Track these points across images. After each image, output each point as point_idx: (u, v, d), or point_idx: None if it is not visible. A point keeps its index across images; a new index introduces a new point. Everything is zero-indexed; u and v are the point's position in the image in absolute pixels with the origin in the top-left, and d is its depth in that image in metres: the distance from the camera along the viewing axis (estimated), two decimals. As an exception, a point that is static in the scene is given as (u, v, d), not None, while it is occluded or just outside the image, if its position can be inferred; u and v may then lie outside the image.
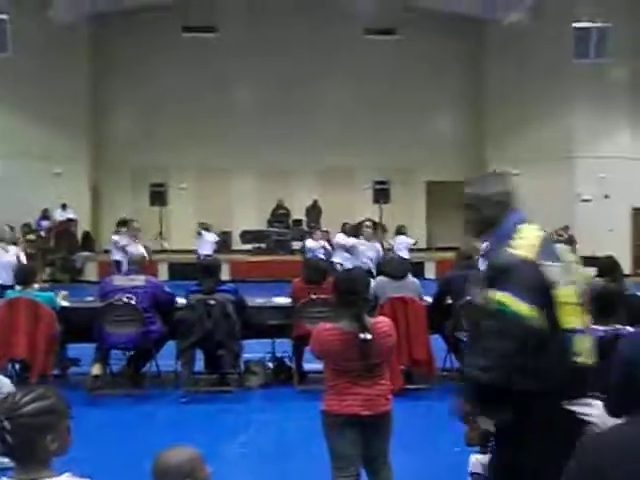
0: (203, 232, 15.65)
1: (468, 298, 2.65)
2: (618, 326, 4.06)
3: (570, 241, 18.30)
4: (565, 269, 2.51)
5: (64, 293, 7.13)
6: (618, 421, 2.80)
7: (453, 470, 4.07)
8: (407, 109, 20.48)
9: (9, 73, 16.97)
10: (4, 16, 14.82)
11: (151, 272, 9.44)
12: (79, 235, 18.89)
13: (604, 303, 4.21)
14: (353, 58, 20.18)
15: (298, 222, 19.85)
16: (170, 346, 6.69)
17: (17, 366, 6.71)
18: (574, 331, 2.45)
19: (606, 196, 18.82)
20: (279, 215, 19.70)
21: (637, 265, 16.41)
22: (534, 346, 2.43)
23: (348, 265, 10.10)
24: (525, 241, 2.54)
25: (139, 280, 6.60)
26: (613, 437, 0.99)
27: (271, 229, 19.03)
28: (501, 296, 2.44)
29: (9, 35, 14.81)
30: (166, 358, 6.66)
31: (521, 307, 2.40)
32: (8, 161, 17.75)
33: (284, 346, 7.07)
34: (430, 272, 17.23)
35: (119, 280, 6.76)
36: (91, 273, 17.20)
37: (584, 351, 2.45)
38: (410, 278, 6.75)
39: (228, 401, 6.40)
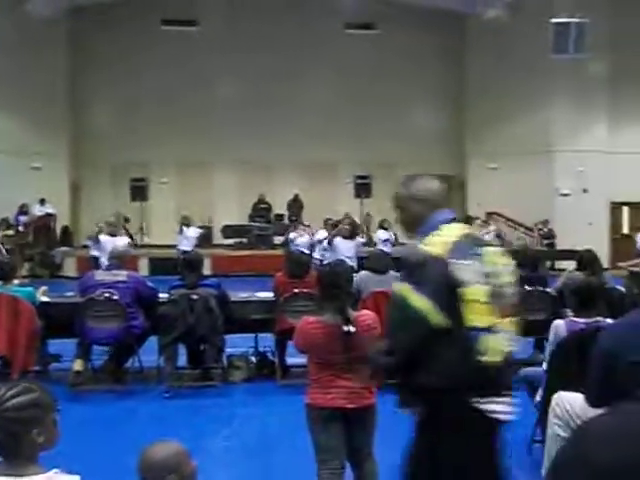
0: (184, 228, 15.44)
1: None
2: (599, 318, 4.13)
3: (549, 235, 18.52)
4: (477, 269, 2.49)
5: (44, 288, 7.07)
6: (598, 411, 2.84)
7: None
8: (388, 103, 20.51)
9: (-14, 68, 16.79)
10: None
11: (132, 267, 9.40)
12: (58, 230, 18.74)
13: (585, 296, 4.28)
14: (334, 53, 20.17)
15: (280, 217, 19.84)
16: (152, 341, 6.67)
17: (-2, 362, 6.66)
18: (479, 329, 2.44)
19: (585, 190, 19.01)
20: (260, 210, 19.67)
21: (615, 258, 16.59)
22: (434, 342, 2.44)
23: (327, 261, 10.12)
24: (439, 239, 2.56)
25: (121, 275, 6.57)
26: (595, 427, 1.01)
27: (252, 224, 18.99)
28: (404, 289, 2.49)
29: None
30: (148, 353, 6.63)
31: (420, 302, 2.43)
32: (-15, 156, 17.58)
33: (267, 340, 7.09)
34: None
35: (100, 275, 6.72)
36: (70, 268, 17.05)
37: (490, 350, 2.44)
38: (392, 272, 6.78)
39: (211, 396, 6.40)
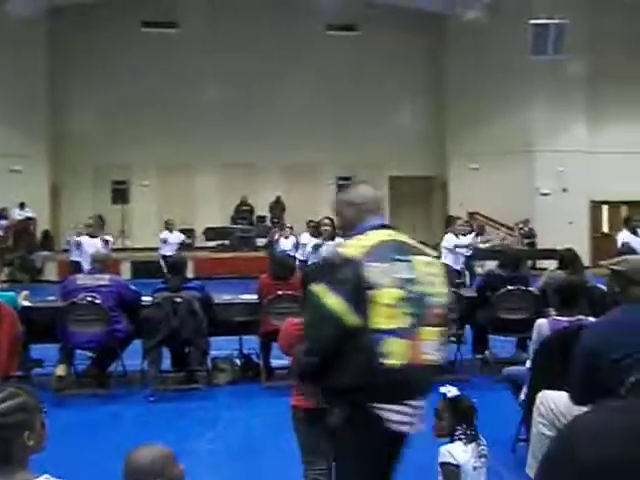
0: (166, 233, 15.25)
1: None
2: (581, 317, 4.17)
3: (530, 234, 18.66)
4: (391, 273, 2.53)
5: (25, 293, 7.00)
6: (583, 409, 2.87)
7: (420, 461, 4.12)
8: (369, 105, 20.57)
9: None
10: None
11: (114, 271, 9.35)
12: (38, 234, 18.57)
13: (567, 295, 4.31)
14: (315, 54, 20.19)
15: (262, 218, 19.82)
16: (136, 345, 6.64)
17: (-21, 368, 6.58)
18: (384, 332, 2.47)
19: (564, 189, 19.18)
20: (243, 212, 19.64)
21: (596, 257, 16.74)
22: (346, 343, 2.48)
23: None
24: (357, 242, 2.63)
25: (103, 279, 6.53)
26: (581, 425, 1.02)
27: (235, 226, 18.95)
28: (320, 289, 2.54)
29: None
30: (132, 357, 6.60)
31: (335, 302, 2.48)
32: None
33: (251, 343, 7.07)
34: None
35: (83, 279, 6.67)
36: (51, 273, 16.92)
37: (393, 353, 2.47)
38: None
39: (196, 399, 6.38)
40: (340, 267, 2.54)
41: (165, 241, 14.90)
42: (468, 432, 3.24)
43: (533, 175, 19.36)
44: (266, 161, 20.34)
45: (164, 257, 13.87)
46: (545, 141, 19.25)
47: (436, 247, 9.77)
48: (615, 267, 3.26)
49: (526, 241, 18.34)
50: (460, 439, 3.23)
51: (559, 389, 3.50)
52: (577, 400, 3.17)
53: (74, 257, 12.38)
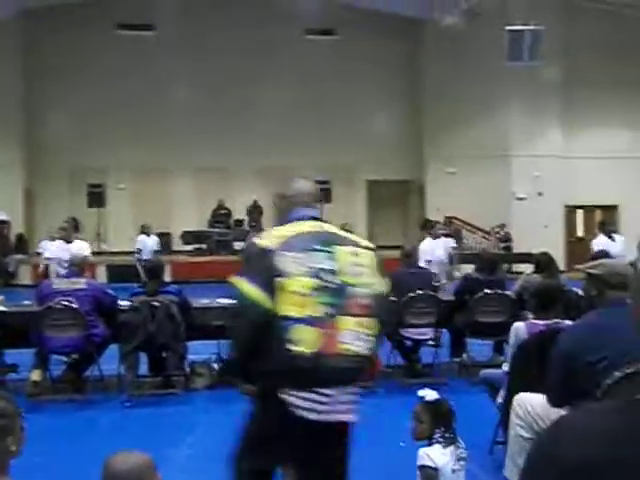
0: (143, 237, 15.12)
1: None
2: (558, 320, 4.21)
3: (506, 238, 18.82)
4: (305, 262, 2.57)
5: (0, 298, 6.92)
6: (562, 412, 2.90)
7: (399, 464, 4.14)
8: (347, 108, 20.62)
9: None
10: None
11: (90, 274, 9.25)
12: (12, 238, 18.34)
13: (544, 298, 4.36)
14: (294, 58, 20.19)
15: (239, 222, 19.76)
16: (113, 349, 6.58)
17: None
18: (294, 319, 2.51)
19: (540, 194, 19.38)
20: (220, 215, 19.56)
21: (571, 261, 16.94)
22: (263, 330, 2.55)
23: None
24: (275, 232, 2.70)
25: (80, 283, 6.47)
26: (564, 426, 1.03)
27: (212, 230, 18.87)
28: (238, 280, 2.63)
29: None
30: (109, 362, 6.54)
31: (252, 290, 2.56)
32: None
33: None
34: (371, 270, 17.37)
35: (59, 283, 6.61)
36: (24, 277, 16.71)
37: (301, 341, 2.50)
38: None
39: (174, 403, 6.34)
40: (255, 257, 2.63)
41: (142, 245, 14.82)
42: (447, 435, 3.26)
43: (509, 179, 19.53)
44: (242, 165, 20.29)
45: (140, 261, 13.78)
46: (521, 146, 19.44)
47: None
48: (592, 271, 3.30)
49: (502, 245, 18.49)
50: (439, 442, 3.24)
51: (536, 392, 3.53)
52: (554, 402, 3.21)
53: (45, 259, 12.23)
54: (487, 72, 18.57)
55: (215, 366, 7.00)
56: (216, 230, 18.72)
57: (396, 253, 8.51)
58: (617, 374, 2.85)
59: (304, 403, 2.53)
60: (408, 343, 7.15)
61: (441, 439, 3.25)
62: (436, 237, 11.13)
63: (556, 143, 19.67)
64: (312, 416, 2.54)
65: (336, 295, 2.58)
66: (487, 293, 6.96)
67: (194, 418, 5.93)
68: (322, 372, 2.53)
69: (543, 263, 6.99)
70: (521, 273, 10.12)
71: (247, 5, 19.66)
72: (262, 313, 2.53)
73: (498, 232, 18.84)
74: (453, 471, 3.21)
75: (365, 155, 20.70)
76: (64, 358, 6.74)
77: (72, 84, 19.77)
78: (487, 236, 18.95)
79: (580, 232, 20.49)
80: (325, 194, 18.74)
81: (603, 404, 1.31)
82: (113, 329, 6.48)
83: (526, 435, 3.59)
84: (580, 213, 20.63)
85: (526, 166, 19.19)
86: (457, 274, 12.67)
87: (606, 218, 16.94)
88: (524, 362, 4.00)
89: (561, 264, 11.48)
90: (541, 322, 4.27)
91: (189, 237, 19.11)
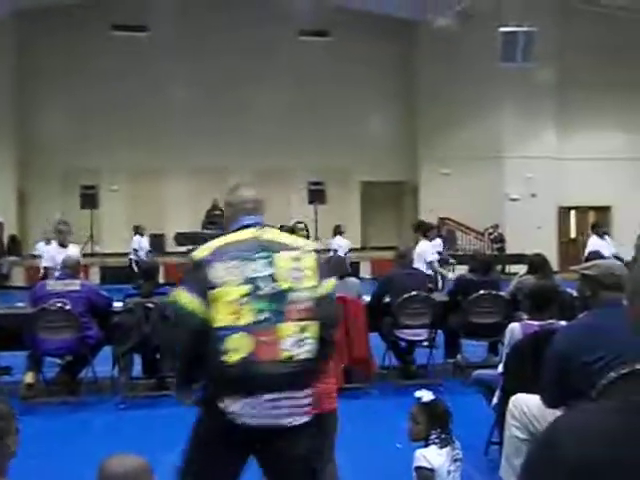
0: (138, 237, 15.14)
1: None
2: (552, 321, 4.22)
3: (499, 239, 18.86)
4: (236, 271, 2.60)
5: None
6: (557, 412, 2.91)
7: (395, 465, 4.13)
8: (341, 110, 20.63)
9: None
10: None
11: (83, 276, 9.22)
12: (5, 239, 18.26)
13: (539, 299, 4.37)
14: (288, 59, 20.19)
15: (233, 223, 19.70)
16: (106, 351, 6.56)
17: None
18: (227, 329, 2.54)
19: (533, 195, 19.43)
20: (214, 216, 19.48)
21: (564, 262, 16.99)
22: (201, 339, 2.58)
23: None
24: (211, 244, 2.75)
25: (74, 284, 6.44)
26: (565, 425, 1.03)
27: (206, 231, 18.81)
28: (176, 291, 2.71)
29: None
30: (103, 364, 6.52)
31: (189, 301, 2.61)
32: None
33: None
34: (365, 271, 17.41)
35: (52, 285, 6.58)
36: (18, 278, 16.66)
37: (235, 350, 2.53)
38: (350, 277, 6.81)
39: (168, 405, 6.29)
40: (191, 269, 2.69)
41: (137, 246, 14.84)
42: (442, 436, 3.26)
43: (502, 181, 19.58)
44: (237, 166, 20.21)
45: (135, 261, 13.77)
46: (514, 147, 19.49)
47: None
48: (586, 272, 3.31)
49: (495, 246, 18.53)
50: (435, 443, 3.24)
51: (531, 392, 3.53)
52: (549, 403, 3.21)
53: (44, 263, 12.18)
54: (481, 74, 18.61)
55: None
56: (209, 231, 18.67)
57: (390, 254, 8.53)
58: (612, 375, 2.86)
59: (242, 409, 2.55)
60: (403, 344, 7.15)
61: (437, 440, 3.25)
62: (432, 239, 11.13)
63: (550, 144, 19.72)
64: (252, 422, 2.56)
65: (274, 301, 2.60)
66: (481, 294, 6.96)
67: (188, 420, 5.91)
68: (257, 379, 2.55)
69: (537, 264, 7.00)
70: (515, 274, 10.13)
71: (242, 6, 19.64)
72: (199, 323, 2.57)
73: (491, 233, 18.88)
74: (449, 472, 3.21)
75: (359, 156, 20.72)
76: (58, 360, 6.71)
77: (66, 85, 19.72)
78: (480, 237, 18.99)
79: (573, 233, 20.57)
80: (319, 195, 18.76)
81: (601, 405, 1.31)
82: (107, 331, 6.46)
83: (521, 436, 3.59)
84: (573, 214, 20.71)
85: (519, 167, 19.24)
86: (450, 275, 12.68)
87: (599, 219, 17.01)
88: (519, 363, 4.00)
89: (554, 265, 11.49)
90: (536, 323, 4.28)
91: (182, 238, 19.02)
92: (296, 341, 2.60)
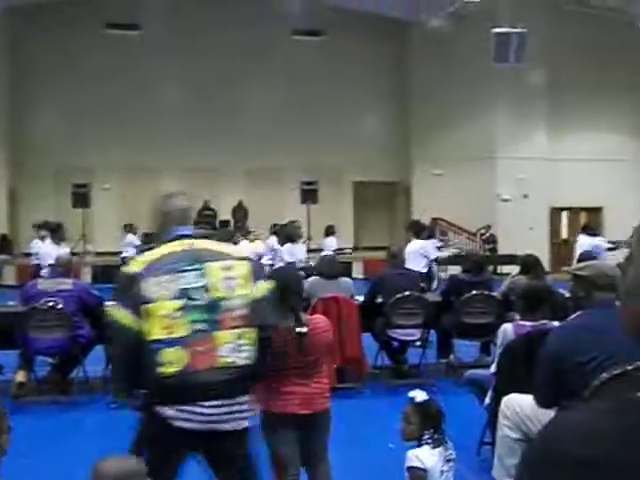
0: (130, 236, 15.11)
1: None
2: (545, 321, 4.23)
3: (492, 240, 18.90)
4: (169, 284, 2.64)
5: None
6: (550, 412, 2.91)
7: (388, 465, 4.13)
8: (334, 109, 20.62)
9: None
10: None
11: (75, 275, 9.18)
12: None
13: (532, 299, 4.38)
14: (281, 58, 20.16)
15: (225, 223, 19.70)
16: (98, 350, 6.53)
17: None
18: (162, 342, 2.60)
19: (525, 196, 19.48)
20: (205, 216, 19.47)
21: (555, 262, 17.04)
22: (138, 353, 2.64)
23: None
24: (141, 258, 2.80)
25: (65, 283, 6.41)
26: (564, 425, 1.03)
27: (198, 230, 18.75)
28: (111, 306, 2.79)
29: None
30: (94, 363, 6.49)
31: (123, 316, 2.67)
32: None
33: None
34: (357, 271, 17.41)
35: (44, 283, 6.55)
36: (9, 277, 16.56)
37: (170, 362, 2.59)
38: (343, 277, 6.81)
39: (159, 405, 6.29)
40: (123, 284, 2.74)
41: (130, 244, 14.83)
42: (435, 436, 3.25)
43: (495, 181, 19.62)
44: (229, 165, 20.24)
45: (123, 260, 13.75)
46: (506, 148, 19.54)
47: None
48: (579, 272, 3.32)
49: (487, 247, 18.57)
50: (427, 443, 3.24)
51: (524, 392, 3.54)
52: (542, 403, 3.22)
53: (35, 261, 12.20)
54: (474, 74, 18.64)
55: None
56: (201, 231, 18.59)
57: (382, 254, 8.52)
58: (605, 375, 2.87)
59: (181, 415, 2.61)
60: (395, 344, 7.16)
61: (430, 440, 3.24)
62: (425, 239, 11.15)
63: (542, 145, 19.78)
64: (191, 426, 2.63)
65: (208, 311, 2.65)
66: (474, 294, 6.98)
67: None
68: (194, 389, 2.60)
69: (529, 265, 7.02)
70: (507, 274, 10.16)
71: (236, 5, 19.61)
72: (133, 336, 2.63)
73: (483, 234, 18.93)
74: (442, 472, 3.21)
75: (352, 156, 20.71)
76: (49, 359, 6.68)
77: (59, 83, 19.63)
78: (472, 237, 19.03)
79: (565, 234, 20.63)
80: (312, 195, 18.74)
81: (595, 405, 1.31)
82: (99, 330, 6.43)
83: (514, 436, 3.60)
84: (565, 215, 20.78)
85: (511, 168, 19.29)
86: (443, 275, 12.72)
87: (591, 220, 17.08)
88: (511, 363, 4.01)
89: (546, 266, 11.54)
90: (528, 323, 4.29)
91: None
92: (234, 348, 2.66)
